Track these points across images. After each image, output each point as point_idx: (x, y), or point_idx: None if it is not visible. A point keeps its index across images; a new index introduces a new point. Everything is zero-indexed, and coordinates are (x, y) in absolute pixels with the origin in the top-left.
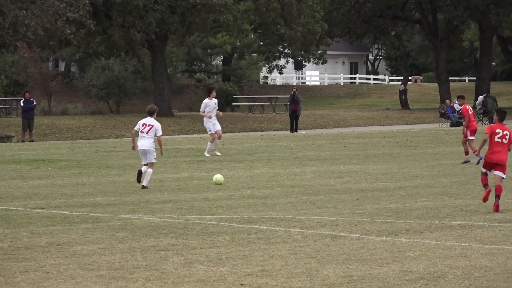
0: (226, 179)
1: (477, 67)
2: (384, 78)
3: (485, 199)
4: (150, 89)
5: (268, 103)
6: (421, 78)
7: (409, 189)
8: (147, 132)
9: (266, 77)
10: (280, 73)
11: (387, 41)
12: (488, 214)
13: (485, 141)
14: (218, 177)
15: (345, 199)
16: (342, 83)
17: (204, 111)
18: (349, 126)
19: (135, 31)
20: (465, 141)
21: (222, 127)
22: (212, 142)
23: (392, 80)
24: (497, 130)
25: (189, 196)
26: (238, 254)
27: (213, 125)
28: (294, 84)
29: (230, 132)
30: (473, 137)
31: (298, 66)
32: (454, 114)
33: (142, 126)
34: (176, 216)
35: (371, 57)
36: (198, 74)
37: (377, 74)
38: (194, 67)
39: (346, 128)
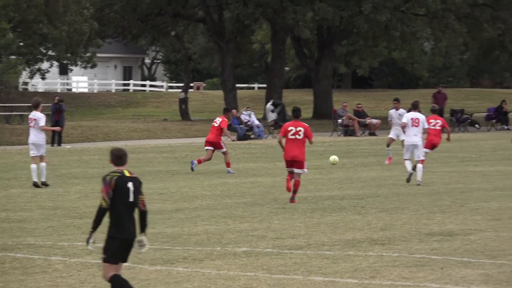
0: None
1: (268, 72)
2: (162, 84)
3: (289, 189)
4: None
5: (28, 113)
6: (204, 84)
7: (188, 212)
8: (34, 126)
9: (27, 83)
10: (43, 78)
11: (167, 42)
12: (277, 239)
13: (280, 142)
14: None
15: None
16: (114, 90)
17: None
18: (121, 139)
19: None
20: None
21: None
22: None
23: (171, 87)
24: (290, 128)
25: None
26: None
27: None
28: (59, 91)
29: None
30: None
31: (64, 71)
32: (242, 126)
33: (29, 120)
34: None
35: (147, 61)
36: None
37: (154, 80)
38: None
39: (117, 141)
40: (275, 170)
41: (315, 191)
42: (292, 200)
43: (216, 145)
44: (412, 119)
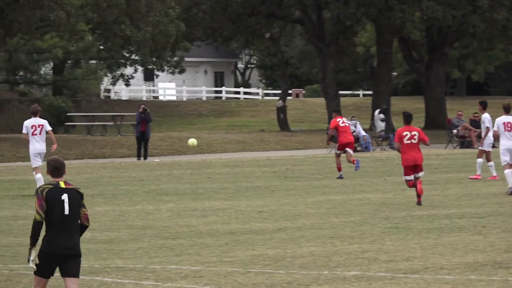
0: None
1: (374, 78)
2: (257, 91)
3: (420, 191)
4: None
5: (111, 123)
6: (303, 91)
7: (291, 231)
8: (39, 133)
9: (109, 90)
10: (127, 85)
11: (261, 45)
12: (390, 262)
13: (398, 150)
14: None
15: (211, 244)
16: (204, 98)
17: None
18: (214, 151)
19: None
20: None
21: (51, 152)
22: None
23: (267, 95)
24: (404, 133)
25: (13, 241)
26: None
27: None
28: (144, 98)
29: (63, 159)
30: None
31: (149, 77)
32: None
33: (32, 128)
34: None
35: (241, 66)
36: (22, 86)
37: (249, 86)
38: (17, 77)
39: (210, 154)
40: (385, 186)
41: (430, 209)
42: (419, 203)
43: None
44: (504, 123)
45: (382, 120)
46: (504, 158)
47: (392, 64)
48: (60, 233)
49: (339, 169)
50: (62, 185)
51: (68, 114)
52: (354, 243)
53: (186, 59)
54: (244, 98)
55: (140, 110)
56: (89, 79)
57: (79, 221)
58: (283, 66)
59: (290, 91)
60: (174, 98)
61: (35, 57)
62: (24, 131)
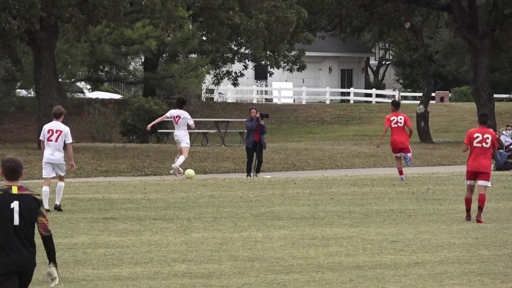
0: (148, 246)
1: None
2: (393, 94)
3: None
4: (32, 107)
5: (214, 131)
6: (450, 94)
7: (431, 266)
8: (56, 140)
9: (212, 91)
10: (234, 84)
11: (399, 37)
12: None
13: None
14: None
15: (332, 280)
16: (328, 101)
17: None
18: (339, 167)
19: (8, 16)
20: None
21: (139, 165)
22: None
23: (405, 98)
24: (476, 135)
25: (92, 273)
26: None
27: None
28: (255, 101)
29: (154, 175)
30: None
31: (261, 75)
32: (501, 150)
33: (48, 132)
34: None
35: (373, 62)
36: (106, 84)
37: (383, 88)
38: (100, 73)
39: (334, 170)
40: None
41: None
42: (478, 218)
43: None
44: None
45: None
46: None
47: None
48: (12, 247)
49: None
50: (15, 190)
51: None
52: (508, 281)
53: (307, 53)
54: (377, 102)
55: (253, 115)
56: (188, 77)
57: (36, 232)
58: (425, 63)
59: (433, 94)
60: (291, 101)
61: (123, 49)
62: (40, 137)
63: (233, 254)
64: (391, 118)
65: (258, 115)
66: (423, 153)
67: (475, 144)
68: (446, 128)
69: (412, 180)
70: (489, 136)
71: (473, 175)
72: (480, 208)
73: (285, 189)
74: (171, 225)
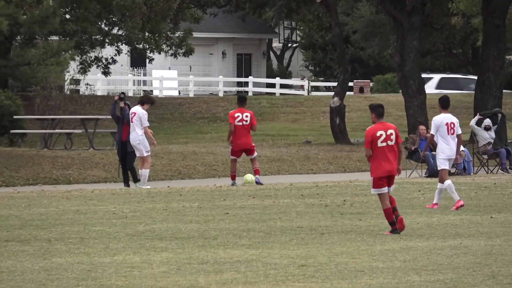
0: None
1: (477, 64)
2: (301, 84)
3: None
4: None
5: (81, 130)
6: (371, 84)
7: None
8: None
9: (78, 81)
10: (105, 73)
11: (309, 14)
12: None
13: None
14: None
15: None
16: (221, 94)
17: None
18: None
19: None
20: None
21: None
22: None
23: (316, 88)
24: (378, 133)
25: None
26: None
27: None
28: (131, 94)
29: (6, 186)
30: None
31: (139, 61)
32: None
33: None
34: None
35: (277, 45)
36: None
37: (289, 76)
38: None
39: (229, 178)
40: (491, 227)
41: None
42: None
43: None
44: None
45: (486, 129)
46: None
47: (505, 43)
48: None
49: None
50: None
51: (15, 117)
52: None
53: (195, 34)
54: (282, 94)
55: (116, 98)
56: (48, 64)
57: None
58: (341, 45)
59: (351, 84)
60: (175, 93)
61: None
62: None
63: (104, 283)
64: (235, 115)
65: (116, 97)
66: (338, 156)
67: (379, 145)
68: (366, 126)
69: (325, 190)
70: (393, 131)
71: (388, 180)
72: (396, 208)
73: (169, 202)
74: (27, 247)
